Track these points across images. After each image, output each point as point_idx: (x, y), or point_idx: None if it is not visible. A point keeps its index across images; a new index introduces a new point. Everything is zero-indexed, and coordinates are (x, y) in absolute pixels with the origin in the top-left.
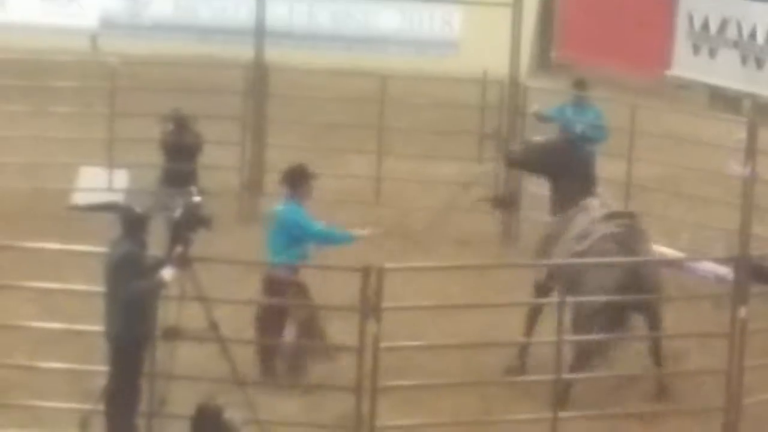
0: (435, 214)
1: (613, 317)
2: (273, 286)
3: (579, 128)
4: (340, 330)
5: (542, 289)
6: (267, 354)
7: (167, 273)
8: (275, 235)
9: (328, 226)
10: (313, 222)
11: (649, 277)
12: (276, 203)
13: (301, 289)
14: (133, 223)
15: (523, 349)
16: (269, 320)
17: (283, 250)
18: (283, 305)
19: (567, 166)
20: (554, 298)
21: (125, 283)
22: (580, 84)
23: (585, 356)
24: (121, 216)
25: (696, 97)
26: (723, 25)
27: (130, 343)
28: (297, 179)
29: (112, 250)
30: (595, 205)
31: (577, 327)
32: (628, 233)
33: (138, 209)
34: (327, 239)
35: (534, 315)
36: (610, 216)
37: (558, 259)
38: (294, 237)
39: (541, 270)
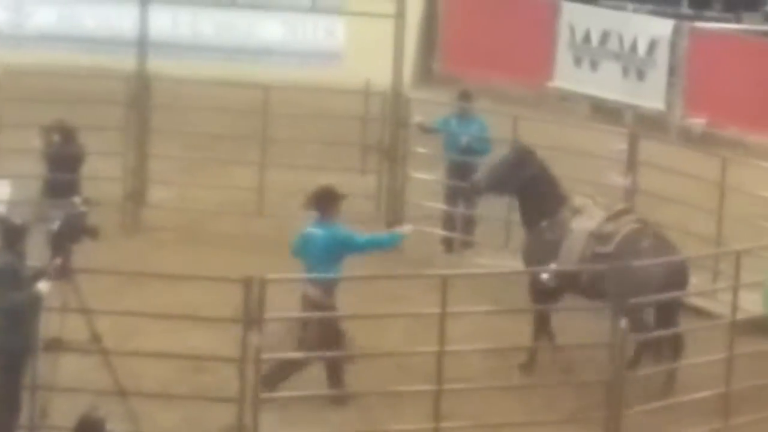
0: None
1: (664, 313)
2: (314, 308)
3: (464, 140)
4: (221, 340)
5: (548, 293)
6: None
7: (44, 285)
8: (314, 256)
9: (371, 234)
10: (356, 234)
11: (687, 271)
12: (303, 227)
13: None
14: (11, 235)
15: (535, 354)
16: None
17: (326, 271)
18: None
19: (531, 177)
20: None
21: (2, 294)
22: (464, 95)
23: (641, 351)
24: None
25: (578, 109)
26: (604, 37)
27: (9, 355)
28: (326, 201)
29: None
30: (590, 205)
31: (632, 326)
32: (651, 228)
33: (16, 220)
34: (378, 246)
35: (544, 319)
36: (619, 213)
37: (570, 263)
38: (337, 256)
39: (547, 275)
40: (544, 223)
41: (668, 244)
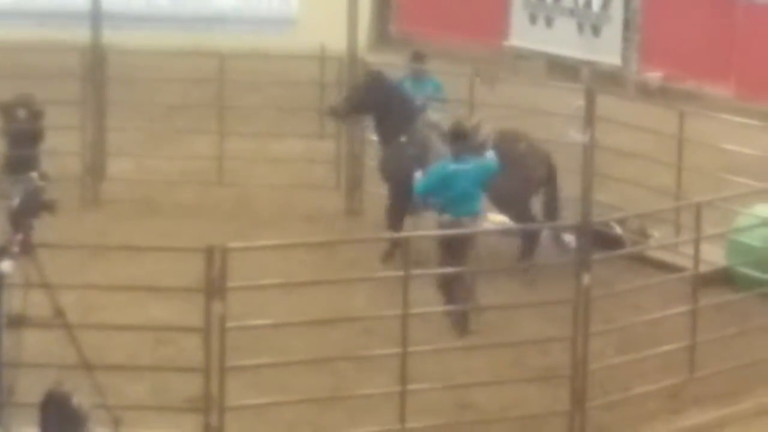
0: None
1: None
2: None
3: (419, 100)
4: (186, 311)
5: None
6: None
7: (7, 264)
8: (466, 188)
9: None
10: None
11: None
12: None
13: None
14: None
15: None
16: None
17: (477, 199)
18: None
19: (386, 97)
20: None
21: None
22: (417, 56)
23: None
24: None
25: (534, 67)
26: None
27: None
28: (462, 135)
29: None
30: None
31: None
32: (514, 131)
33: None
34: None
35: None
36: (478, 123)
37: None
38: (484, 185)
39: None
40: (402, 138)
41: (537, 144)
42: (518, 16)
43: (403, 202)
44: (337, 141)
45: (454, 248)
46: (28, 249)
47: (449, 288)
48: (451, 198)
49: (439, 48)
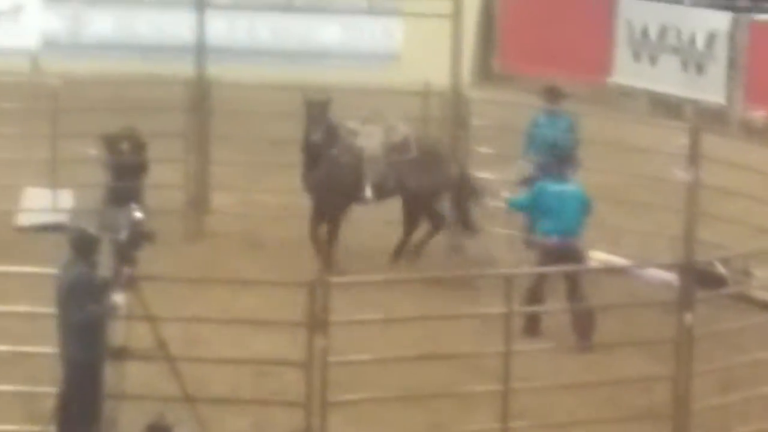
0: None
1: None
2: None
3: (551, 138)
4: (288, 344)
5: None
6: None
7: (119, 297)
8: (576, 209)
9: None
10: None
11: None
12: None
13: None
14: (85, 245)
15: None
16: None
17: (581, 223)
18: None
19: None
20: None
21: (79, 306)
22: (551, 93)
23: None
24: (72, 238)
25: (637, 104)
26: (663, 32)
27: (86, 365)
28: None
29: (64, 272)
30: (359, 125)
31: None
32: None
33: (89, 231)
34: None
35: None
36: (391, 127)
37: (378, 175)
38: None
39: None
40: (334, 151)
41: (450, 152)
42: (622, 53)
43: (343, 212)
44: None
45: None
46: (132, 282)
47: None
48: (552, 218)
49: (541, 85)
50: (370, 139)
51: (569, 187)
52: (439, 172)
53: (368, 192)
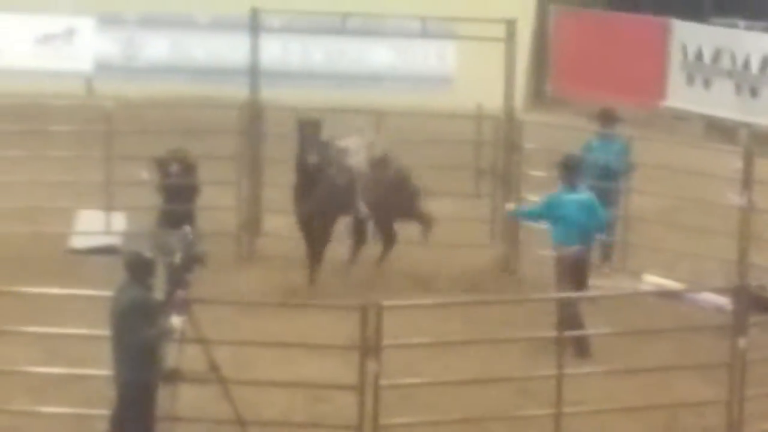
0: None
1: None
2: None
3: (603, 161)
4: (340, 368)
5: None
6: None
7: (175, 320)
8: (585, 219)
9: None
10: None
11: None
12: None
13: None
14: (141, 268)
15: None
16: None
17: (592, 235)
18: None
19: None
20: None
21: (134, 329)
22: (606, 116)
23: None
24: (128, 260)
25: (691, 128)
26: (717, 55)
27: (140, 388)
28: (575, 168)
29: (119, 295)
30: (348, 142)
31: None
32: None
33: (144, 253)
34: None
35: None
36: (372, 142)
37: (370, 192)
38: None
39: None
40: (332, 171)
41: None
42: (676, 77)
43: (330, 232)
44: (493, 200)
45: (578, 278)
46: (185, 305)
47: (575, 315)
48: (568, 228)
49: (595, 109)
50: (357, 156)
51: (582, 196)
52: (410, 188)
53: (363, 208)
